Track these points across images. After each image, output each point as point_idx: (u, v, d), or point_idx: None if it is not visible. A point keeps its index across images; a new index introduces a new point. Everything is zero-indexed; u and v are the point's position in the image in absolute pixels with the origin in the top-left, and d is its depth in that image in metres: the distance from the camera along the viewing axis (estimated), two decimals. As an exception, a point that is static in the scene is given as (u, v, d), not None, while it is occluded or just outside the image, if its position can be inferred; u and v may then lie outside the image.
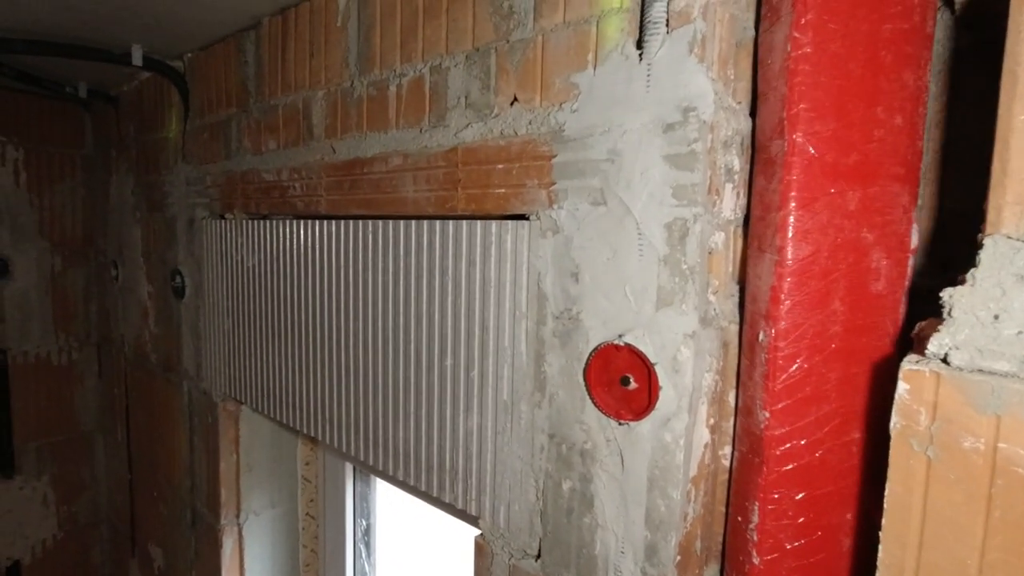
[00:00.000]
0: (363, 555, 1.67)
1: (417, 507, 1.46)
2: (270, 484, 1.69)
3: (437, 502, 1.23)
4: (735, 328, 0.74)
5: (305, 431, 1.26)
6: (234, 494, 1.60)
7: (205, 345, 1.57)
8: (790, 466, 0.66)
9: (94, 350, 2.27)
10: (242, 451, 1.61)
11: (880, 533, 0.55)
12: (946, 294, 0.51)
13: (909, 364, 0.53)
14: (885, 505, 0.54)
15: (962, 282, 0.51)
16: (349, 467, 1.64)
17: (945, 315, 0.51)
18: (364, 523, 1.67)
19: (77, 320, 2.23)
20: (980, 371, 0.49)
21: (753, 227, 0.70)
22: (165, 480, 1.86)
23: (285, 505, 1.74)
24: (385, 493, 1.64)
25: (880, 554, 0.55)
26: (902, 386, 0.53)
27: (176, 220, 1.65)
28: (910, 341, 0.62)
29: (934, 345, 0.51)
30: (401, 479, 1.05)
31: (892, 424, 0.54)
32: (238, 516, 1.61)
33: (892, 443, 0.54)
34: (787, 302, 0.64)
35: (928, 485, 0.52)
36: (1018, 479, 0.48)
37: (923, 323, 0.57)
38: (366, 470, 1.60)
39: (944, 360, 0.51)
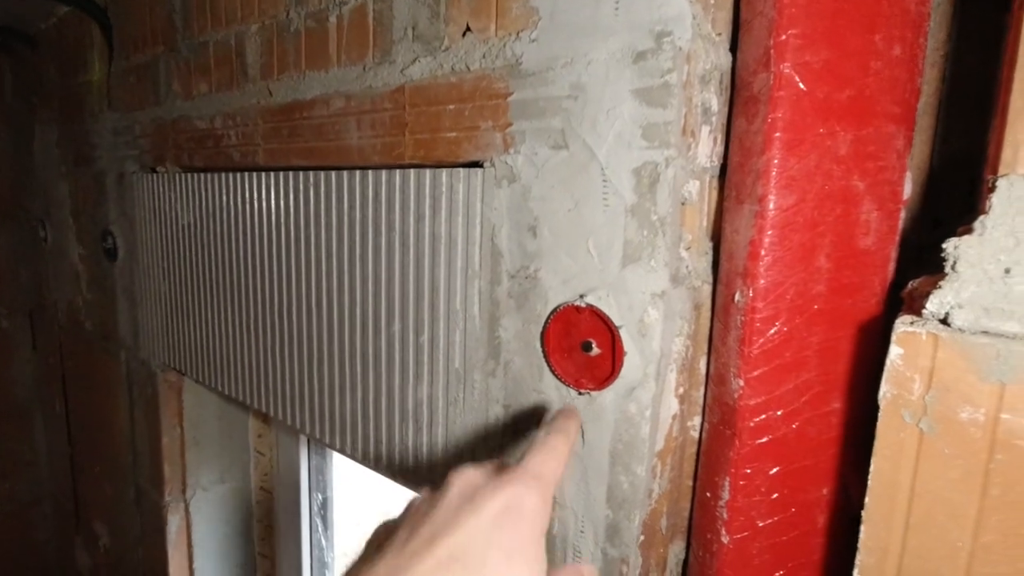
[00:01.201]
0: (320, 529, 1.61)
1: (377, 480, 1.39)
2: (219, 458, 1.60)
3: (394, 475, 1.16)
4: (708, 289, 0.67)
5: (247, 402, 1.16)
6: (179, 470, 1.51)
7: (141, 312, 1.44)
8: (765, 439, 0.60)
9: (27, 318, 2.11)
10: (187, 424, 1.50)
11: (863, 513, 0.50)
12: (950, 245, 0.44)
13: (904, 325, 0.46)
14: (870, 483, 0.49)
15: (968, 232, 0.44)
16: (304, 439, 1.56)
17: (948, 269, 0.45)
18: (320, 497, 1.60)
19: (6, 286, 2.06)
20: (985, 333, 0.43)
21: (731, 176, 0.63)
22: (107, 455, 1.75)
23: (237, 480, 1.65)
24: (342, 466, 1.57)
25: (862, 536, 0.50)
26: (895, 350, 0.46)
27: (105, 175, 1.50)
28: (899, 303, 0.56)
29: (934, 304, 0.45)
30: (349, 453, 0.97)
31: (881, 394, 0.48)
32: (184, 492, 1.52)
33: (881, 415, 0.48)
34: (767, 257, 0.57)
35: (919, 461, 0.46)
36: (1020, 454, 0.42)
37: (918, 280, 0.50)
38: (315, 443, 1.52)
39: (944, 321, 0.45)
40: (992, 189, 0.43)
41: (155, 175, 1.30)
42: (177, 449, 1.50)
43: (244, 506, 1.67)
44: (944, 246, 0.44)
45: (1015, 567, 0.43)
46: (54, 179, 1.74)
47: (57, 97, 1.66)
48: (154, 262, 1.36)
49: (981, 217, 0.43)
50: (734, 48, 0.63)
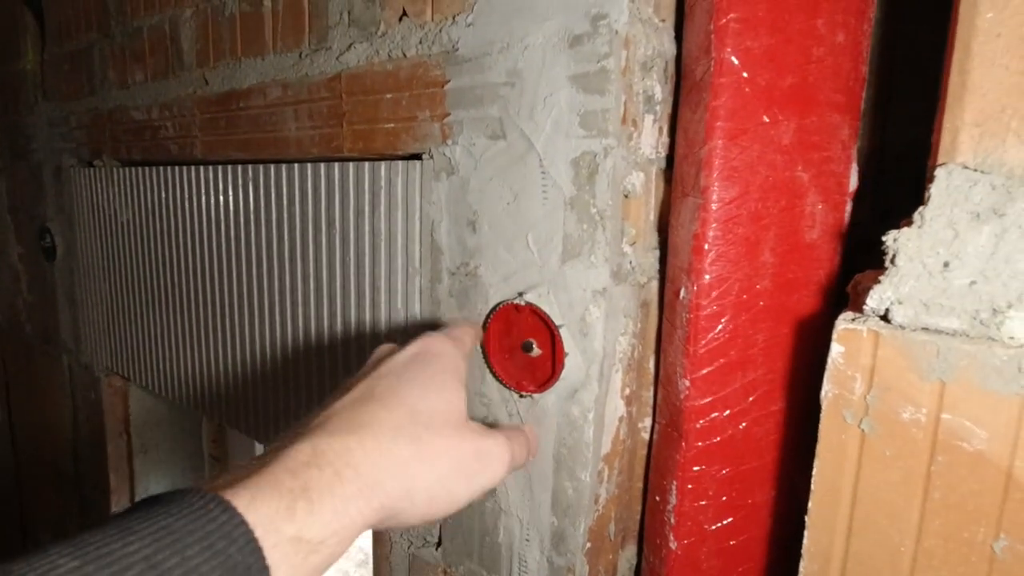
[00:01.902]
0: (278, 536, 1.56)
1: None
2: (170, 465, 1.53)
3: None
4: (656, 286, 0.64)
5: (192, 408, 1.11)
6: (126, 479, 1.44)
7: (82, 314, 1.37)
8: (712, 440, 0.58)
9: (-33, 321, 2.00)
10: (134, 431, 1.44)
11: (806, 518, 0.48)
12: (889, 238, 0.42)
13: (844, 323, 0.44)
14: (812, 487, 0.47)
15: (908, 224, 0.42)
16: (260, 444, 1.50)
17: (887, 263, 0.43)
18: (278, 503, 1.54)
19: (-56, 287, 1.94)
20: (925, 329, 0.41)
21: (677, 168, 0.60)
22: (51, 464, 1.67)
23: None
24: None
25: (805, 541, 0.48)
26: (835, 348, 0.44)
27: (42, 169, 1.42)
28: (845, 298, 0.54)
29: (874, 299, 0.43)
30: (294, 460, 0.93)
31: (823, 393, 0.45)
32: (132, 501, 1.45)
33: (823, 415, 0.46)
34: (712, 252, 0.55)
35: (861, 463, 0.44)
36: (961, 455, 0.40)
37: (861, 275, 0.49)
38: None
39: (884, 317, 0.43)
40: (931, 179, 0.41)
41: (92, 169, 1.23)
42: (124, 457, 1.43)
43: (198, 514, 1.61)
44: (884, 239, 0.42)
45: (956, 572, 0.41)
46: (-10, 174, 1.65)
47: (-9, 87, 1.57)
48: (94, 261, 1.29)
49: (920, 208, 0.41)
50: (680, 37, 0.61)
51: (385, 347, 0.52)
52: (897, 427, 0.42)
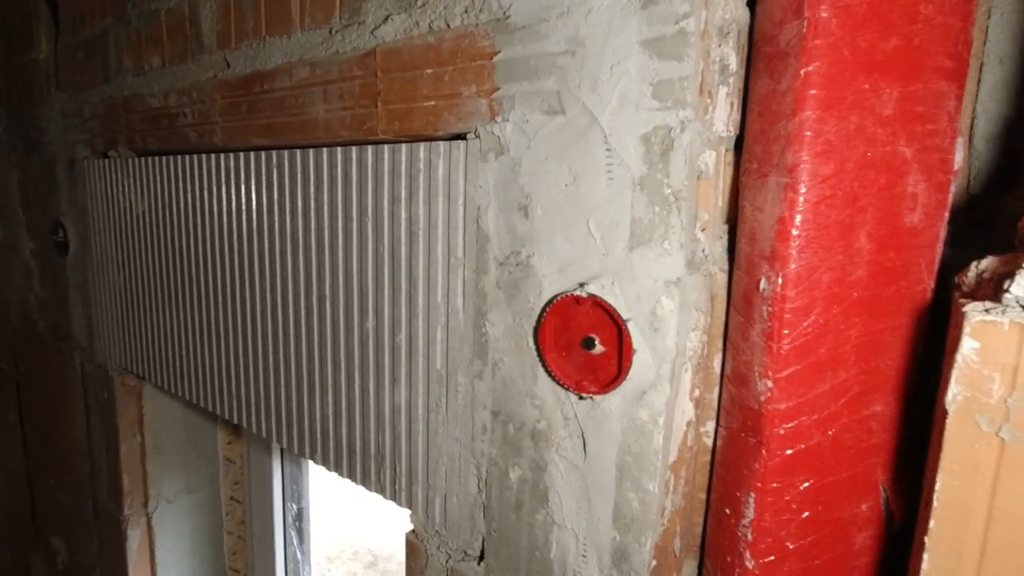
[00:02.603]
0: (295, 542, 1.51)
1: (357, 490, 1.29)
2: (185, 467, 1.48)
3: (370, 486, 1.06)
4: (723, 277, 0.58)
5: (209, 408, 1.06)
6: (140, 480, 1.39)
7: (96, 310, 1.33)
8: (796, 448, 0.52)
9: (-22, 319, 1.97)
10: (148, 431, 1.39)
11: (925, 539, 0.41)
12: (1039, 215, 0.36)
13: (978, 314, 0.38)
14: (935, 503, 0.41)
15: (1059, 198, 0.36)
16: (277, 446, 1.45)
17: (1035, 245, 0.37)
18: (295, 507, 1.49)
19: (-45, 284, 1.91)
20: (1086, 321, 0.35)
21: (751, 147, 0.54)
22: (64, 465, 1.62)
23: (205, 490, 1.54)
24: (319, 474, 1.47)
25: (924, 566, 0.42)
26: (968, 344, 0.38)
27: (55, 162, 1.37)
28: (949, 289, 0.48)
29: (1019, 287, 0.37)
30: (320, 462, 0.88)
31: (950, 397, 0.39)
32: (146, 505, 1.41)
33: (949, 421, 0.40)
34: (800, 238, 0.49)
35: (998, 476, 0.38)
36: None
37: (986, 260, 0.42)
38: (285, 451, 1.42)
39: (1029, 307, 0.37)
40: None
41: (107, 160, 1.18)
42: (137, 458, 1.38)
43: (213, 518, 1.56)
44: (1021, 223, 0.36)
45: (1122, 608, 0.35)
46: (3, 168, 1.61)
47: (3, 78, 1.53)
48: (108, 256, 1.24)
49: (1080, 179, 0.35)
50: (752, 5, 0.55)
51: None
52: (1046, 436, 0.36)
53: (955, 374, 0.39)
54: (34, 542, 1.90)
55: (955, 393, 0.39)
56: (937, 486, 0.41)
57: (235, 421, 1.01)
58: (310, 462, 1.43)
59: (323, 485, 1.48)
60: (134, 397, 1.35)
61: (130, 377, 1.32)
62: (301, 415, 0.88)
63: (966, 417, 0.39)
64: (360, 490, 0.92)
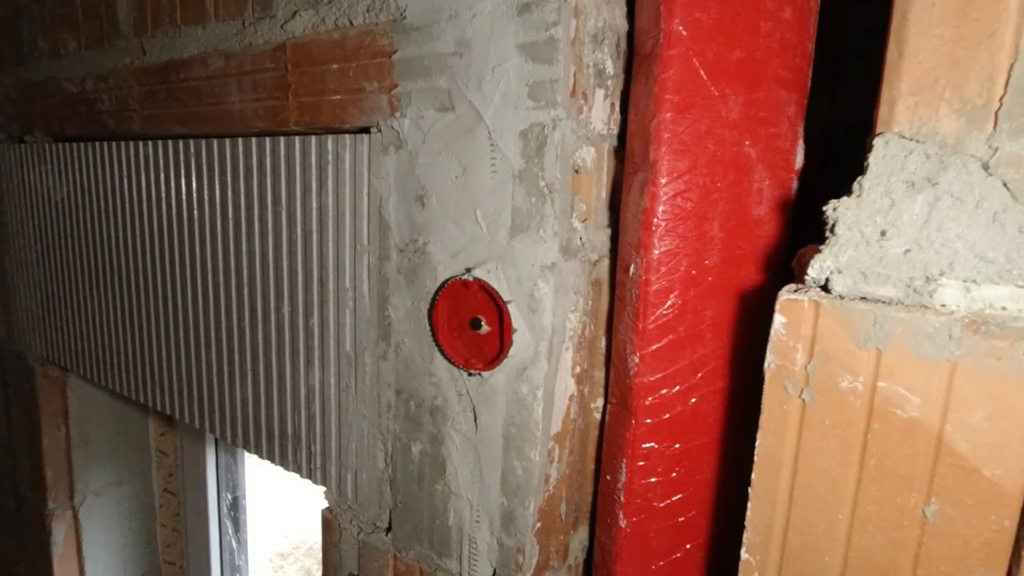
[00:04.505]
0: (230, 531, 1.51)
1: (305, 485, 1.30)
2: (114, 459, 1.46)
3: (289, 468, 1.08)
4: (608, 265, 0.64)
5: (136, 398, 1.06)
6: (64, 473, 1.37)
7: (14, 300, 1.29)
8: (661, 417, 0.58)
9: None
10: (73, 423, 1.37)
11: (749, 489, 0.48)
12: (829, 207, 0.43)
13: (786, 294, 0.44)
14: (756, 458, 0.47)
15: (848, 194, 0.43)
16: (211, 437, 1.45)
17: (827, 233, 0.43)
18: (230, 497, 1.49)
19: None
20: (863, 299, 0.41)
21: (629, 144, 0.60)
22: (-16, 460, 1.57)
23: (136, 482, 1.52)
24: (255, 463, 1.48)
25: (749, 513, 0.48)
26: (778, 319, 0.44)
27: (-31, 146, 1.33)
28: (791, 273, 0.54)
29: (814, 269, 0.43)
30: (240, 446, 0.90)
31: (766, 364, 0.45)
32: (71, 498, 1.38)
33: (765, 386, 0.46)
34: (660, 227, 0.55)
35: (801, 433, 0.45)
36: (896, 423, 0.41)
37: (804, 248, 0.49)
38: (207, 436, 1.42)
39: (824, 287, 0.43)
40: (870, 148, 0.41)
41: (23, 145, 1.15)
42: (62, 451, 1.36)
43: (146, 510, 1.55)
44: (824, 208, 0.42)
45: (890, 537, 0.42)
46: (-88, 152, 1.54)
47: (-89, 58, 1.46)
48: (26, 244, 1.22)
49: (859, 178, 0.41)
50: (633, 13, 0.60)
51: None
52: (836, 396, 0.43)
53: (770, 345, 0.45)
54: (-46, 541, 1.83)
55: (769, 361, 0.45)
56: (758, 443, 0.47)
57: (160, 409, 1.02)
58: (245, 452, 1.44)
59: (272, 482, 1.48)
60: (57, 388, 1.33)
61: (52, 368, 1.30)
62: (223, 401, 0.90)
63: (777, 382, 0.45)
64: (307, 484, 0.94)
